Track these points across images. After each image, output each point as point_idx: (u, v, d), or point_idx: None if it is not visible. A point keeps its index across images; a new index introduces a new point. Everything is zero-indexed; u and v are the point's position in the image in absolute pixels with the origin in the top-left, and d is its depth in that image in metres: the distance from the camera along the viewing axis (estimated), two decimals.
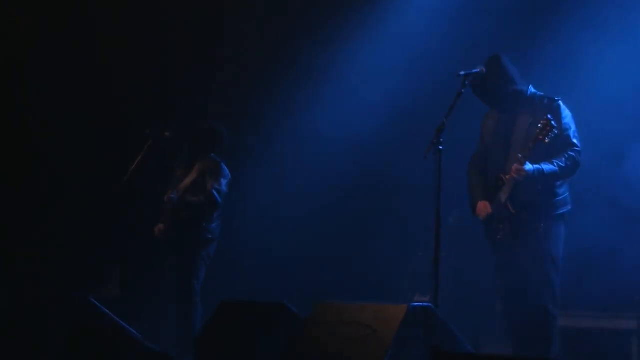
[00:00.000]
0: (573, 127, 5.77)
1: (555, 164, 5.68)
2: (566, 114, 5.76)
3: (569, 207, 5.84)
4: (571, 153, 5.72)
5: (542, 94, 5.85)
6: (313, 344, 4.96)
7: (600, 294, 7.41)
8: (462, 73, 5.72)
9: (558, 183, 5.77)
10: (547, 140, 5.57)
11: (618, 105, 7.43)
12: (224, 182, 7.31)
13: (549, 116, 5.60)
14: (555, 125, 5.58)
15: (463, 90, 5.67)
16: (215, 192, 7.23)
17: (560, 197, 5.79)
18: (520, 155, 5.65)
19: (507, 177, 5.72)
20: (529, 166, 5.64)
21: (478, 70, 5.78)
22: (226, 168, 7.38)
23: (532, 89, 5.90)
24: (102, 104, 9.13)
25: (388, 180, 8.66)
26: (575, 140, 5.74)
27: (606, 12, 7.63)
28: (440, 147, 5.53)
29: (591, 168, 7.22)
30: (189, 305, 7.16)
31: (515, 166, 5.65)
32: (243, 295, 6.07)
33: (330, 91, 8.90)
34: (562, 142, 5.71)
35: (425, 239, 5.82)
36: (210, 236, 7.29)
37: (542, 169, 5.66)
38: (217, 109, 8.86)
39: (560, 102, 5.74)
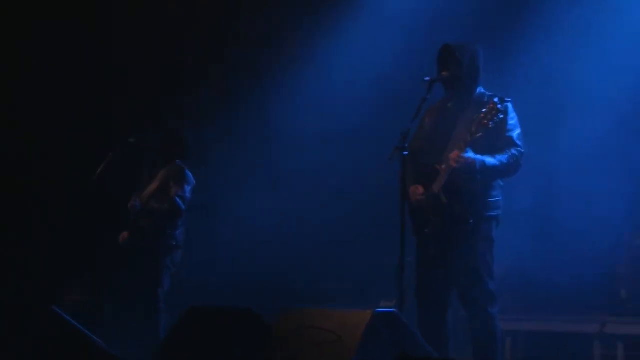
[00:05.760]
0: (518, 130, 5.69)
1: (497, 159, 5.59)
2: (514, 115, 5.68)
3: (500, 212, 5.72)
4: (514, 152, 5.63)
5: (491, 93, 5.74)
6: (279, 350, 4.95)
7: (563, 298, 7.49)
8: (427, 79, 5.73)
9: (493, 184, 5.68)
10: (491, 125, 5.46)
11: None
12: (187, 188, 7.27)
13: (496, 99, 5.52)
14: (502, 109, 5.49)
15: (428, 96, 5.68)
16: (178, 199, 7.20)
17: (493, 199, 5.70)
18: (461, 143, 5.55)
19: (443, 166, 5.61)
20: (470, 153, 5.53)
21: (443, 75, 5.79)
22: (191, 174, 7.34)
23: (481, 89, 5.82)
24: (72, 108, 9.09)
25: (354, 185, 8.68)
26: (519, 142, 5.67)
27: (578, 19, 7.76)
28: (405, 153, 5.55)
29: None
30: (153, 312, 7.12)
31: (455, 152, 5.53)
32: (211, 302, 6.04)
33: (291, 97, 8.92)
34: (506, 142, 5.64)
35: (391, 244, 5.81)
36: (174, 243, 7.25)
37: (484, 159, 5.55)
38: (186, 109, 8.85)
39: (510, 104, 5.65)
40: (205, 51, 9.29)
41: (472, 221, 5.61)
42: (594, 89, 7.62)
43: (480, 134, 5.52)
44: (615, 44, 7.60)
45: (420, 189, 5.74)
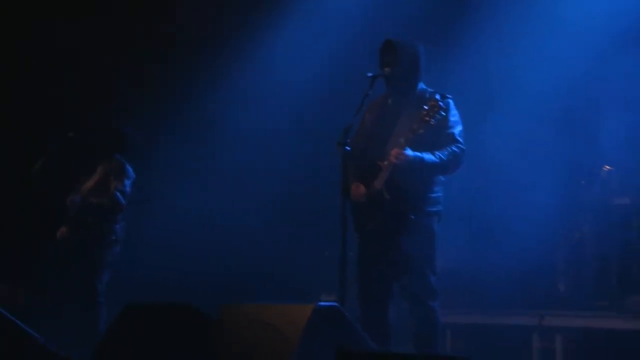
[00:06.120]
0: (460, 127, 5.75)
1: (437, 156, 5.63)
2: (455, 112, 5.74)
3: (441, 207, 5.79)
4: (454, 149, 5.68)
5: (432, 90, 5.80)
6: (220, 345, 4.94)
7: (503, 292, 7.58)
8: (369, 74, 5.76)
9: (434, 180, 5.74)
10: (432, 122, 5.51)
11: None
12: (127, 182, 7.25)
13: (437, 96, 5.58)
14: (443, 106, 5.55)
15: (370, 92, 5.71)
16: (118, 194, 7.16)
17: (434, 195, 5.75)
18: (401, 140, 5.59)
19: (385, 163, 5.63)
20: (409, 151, 5.57)
21: (385, 71, 5.81)
22: (131, 168, 7.31)
23: (422, 85, 5.87)
24: (9, 101, 8.97)
25: (296, 180, 8.68)
26: (460, 139, 5.72)
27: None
28: (347, 148, 5.57)
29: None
30: (93, 307, 7.08)
31: (395, 150, 5.57)
32: (151, 297, 6.00)
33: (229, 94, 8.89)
34: (447, 139, 5.69)
35: (333, 239, 5.83)
36: (114, 237, 7.22)
37: (423, 156, 5.60)
38: (128, 104, 8.78)
39: (451, 100, 5.72)
40: (148, 47, 9.22)
41: (413, 217, 5.65)
42: (529, 84, 7.72)
43: (422, 130, 5.56)
44: (550, 40, 7.71)
45: (362, 188, 5.76)
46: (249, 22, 8.99)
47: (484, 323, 7.59)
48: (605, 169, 7.67)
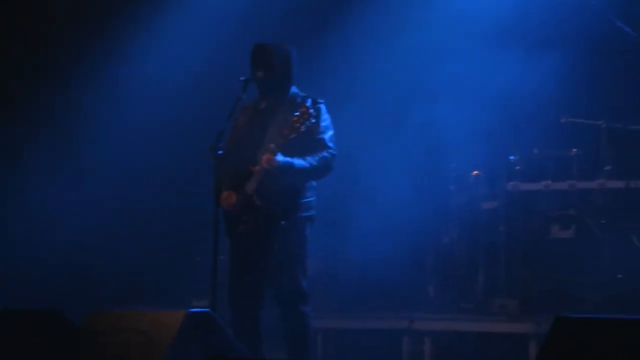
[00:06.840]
0: (331, 132, 5.79)
1: (308, 161, 5.66)
2: (326, 117, 5.78)
3: (313, 212, 5.81)
4: (325, 154, 5.72)
5: (304, 94, 5.83)
6: (88, 353, 4.84)
7: (373, 296, 7.68)
8: (242, 78, 5.75)
9: (306, 185, 5.76)
10: (302, 129, 5.54)
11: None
12: None
13: (308, 102, 5.63)
14: (314, 113, 5.58)
15: (243, 96, 5.71)
16: None
17: (306, 200, 5.77)
18: (272, 145, 5.58)
19: (257, 168, 5.63)
20: (280, 157, 5.56)
21: (258, 75, 5.80)
22: None
23: (294, 89, 5.89)
24: None
25: (166, 183, 8.58)
26: (331, 144, 5.76)
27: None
28: (219, 152, 5.54)
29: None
30: None
31: (266, 156, 5.56)
32: (15, 304, 5.82)
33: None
34: (318, 144, 5.72)
35: (203, 243, 5.79)
36: None
37: (293, 162, 5.60)
38: None
39: (323, 105, 5.76)
40: (19, 43, 8.95)
41: (284, 222, 5.66)
42: (385, 85, 7.87)
43: (293, 135, 5.57)
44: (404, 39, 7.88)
45: (233, 197, 5.72)
46: (121, 18, 8.82)
47: (354, 327, 7.66)
48: (473, 173, 7.86)
